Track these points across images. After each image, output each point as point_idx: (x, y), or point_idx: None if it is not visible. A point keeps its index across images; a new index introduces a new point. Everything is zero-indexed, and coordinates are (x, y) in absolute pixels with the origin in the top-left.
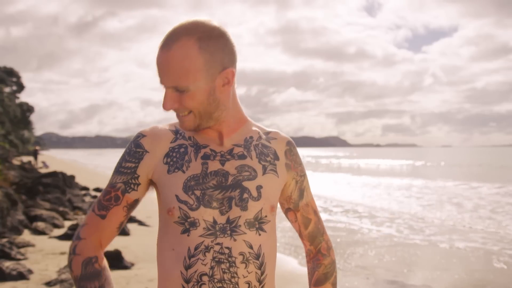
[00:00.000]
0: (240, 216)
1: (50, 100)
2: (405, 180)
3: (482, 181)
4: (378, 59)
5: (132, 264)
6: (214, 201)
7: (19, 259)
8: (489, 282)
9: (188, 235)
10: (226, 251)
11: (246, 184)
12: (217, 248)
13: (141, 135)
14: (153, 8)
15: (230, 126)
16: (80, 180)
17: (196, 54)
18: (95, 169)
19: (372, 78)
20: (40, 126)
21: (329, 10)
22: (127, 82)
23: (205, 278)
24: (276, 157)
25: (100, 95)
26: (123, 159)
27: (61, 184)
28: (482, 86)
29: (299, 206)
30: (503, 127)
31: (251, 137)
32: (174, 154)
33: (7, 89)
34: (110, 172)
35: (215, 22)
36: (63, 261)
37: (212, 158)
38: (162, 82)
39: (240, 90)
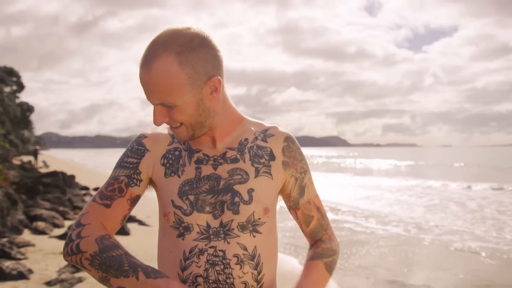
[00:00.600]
0: (232, 220)
1: (50, 100)
2: (406, 181)
3: (483, 182)
4: (379, 58)
5: None
6: (207, 205)
7: (19, 259)
8: (490, 282)
9: (183, 239)
10: (220, 253)
11: (237, 187)
12: (211, 251)
13: (142, 136)
14: (154, 8)
15: (224, 129)
16: (80, 179)
17: (177, 70)
18: (95, 169)
19: (373, 78)
20: (40, 126)
21: (330, 10)
22: (127, 82)
23: (200, 280)
24: (272, 157)
25: (100, 95)
26: (125, 155)
27: (61, 184)
28: (483, 86)
29: (299, 204)
30: (503, 126)
31: (246, 139)
32: (170, 156)
33: (7, 89)
34: (110, 171)
35: (193, 28)
36: (63, 260)
37: (205, 163)
38: (148, 99)
39: (240, 90)
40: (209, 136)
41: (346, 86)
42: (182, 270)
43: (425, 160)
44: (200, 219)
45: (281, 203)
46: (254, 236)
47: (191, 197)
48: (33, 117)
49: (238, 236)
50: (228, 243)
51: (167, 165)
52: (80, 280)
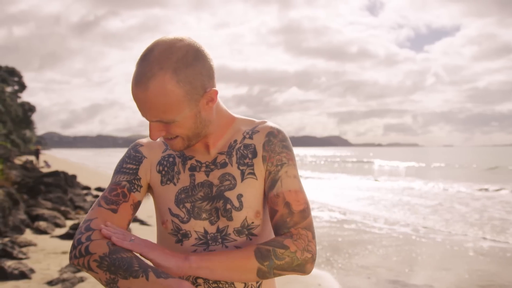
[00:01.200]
0: (228, 225)
1: (52, 99)
2: (408, 181)
3: (486, 182)
4: (380, 58)
5: None
6: (203, 212)
7: (21, 259)
8: (492, 282)
9: (181, 245)
10: None
11: (227, 194)
12: None
13: (138, 144)
14: (155, 8)
15: (217, 134)
16: (82, 179)
17: (175, 88)
18: (96, 168)
19: (374, 77)
20: (41, 126)
21: (331, 9)
22: (128, 81)
23: (200, 280)
24: (255, 154)
25: (102, 95)
26: (123, 161)
27: (63, 184)
28: (484, 86)
29: (268, 197)
30: (504, 126)
31: (235, 141)
32: (165, 163)
33: (8, 89)
34: (111, 171)
35: (185, 39)
36: (65, 260)
37: (198, 170)
38: (144, 117)
39: (241, 90)
40: (202, 143)
41: (348, 86)
42: None
43: (426, 160)
44: (197, 226)
45: None
46: (250, 239)
47: (188, 205)
48: (34, 117)
49: (235, 240)
50: (226, 247)
51: (163, 172)
52: (81, 279)
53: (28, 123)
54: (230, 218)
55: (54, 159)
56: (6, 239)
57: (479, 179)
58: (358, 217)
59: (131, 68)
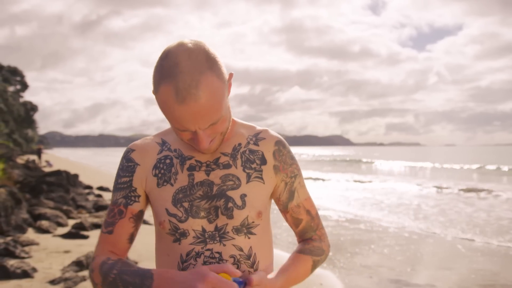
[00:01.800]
0: (227, 224)
1: (54, 99)
2: (410, 181)
3: (490, 182)
4: (382, 57)
5: (136, 262)
6: (201, 211)
7: (23, 258)
8: (494, 282)
9: (179, 244)
10: (217, 255)
11: (230, 193)
12: (207, 253)
13: (130, 150)
14: (158, 7)
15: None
16: (84, 179)
17: (219, 84)
18: (98, 168)
19: (376, 76)
20: (44, 125)
21: (334, 8)
22: (130, 81)
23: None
24: (263, 161)
25: (104, 94)
26: (118, 176)
27: (65, 183)
28: (487, 85)
29: (288, 208)
30: (507, 126)
31: (239, 144)
32: (161, 166)
33: (11, 88)
34: (113, 171)
35: (188, 40)
36: (67, 259)
37: (198, 169)
38: (192, 129)
39: (243, 89)
40: None
41: (350, 85)
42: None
43: (429, 160)
44: (195, 225)
45: None
46: (249, 238)
47: (186, 204)
48: (36, 116)
49: (234, 238)
50: (224, 245)
51: (159, 175)
52: (83, 278)
53: (30, 123)
54: (230, 216)
55: (56, 159)
56: (9, 238)
57: (480, 179)
58: (360, 216)
59: (133, 68)
